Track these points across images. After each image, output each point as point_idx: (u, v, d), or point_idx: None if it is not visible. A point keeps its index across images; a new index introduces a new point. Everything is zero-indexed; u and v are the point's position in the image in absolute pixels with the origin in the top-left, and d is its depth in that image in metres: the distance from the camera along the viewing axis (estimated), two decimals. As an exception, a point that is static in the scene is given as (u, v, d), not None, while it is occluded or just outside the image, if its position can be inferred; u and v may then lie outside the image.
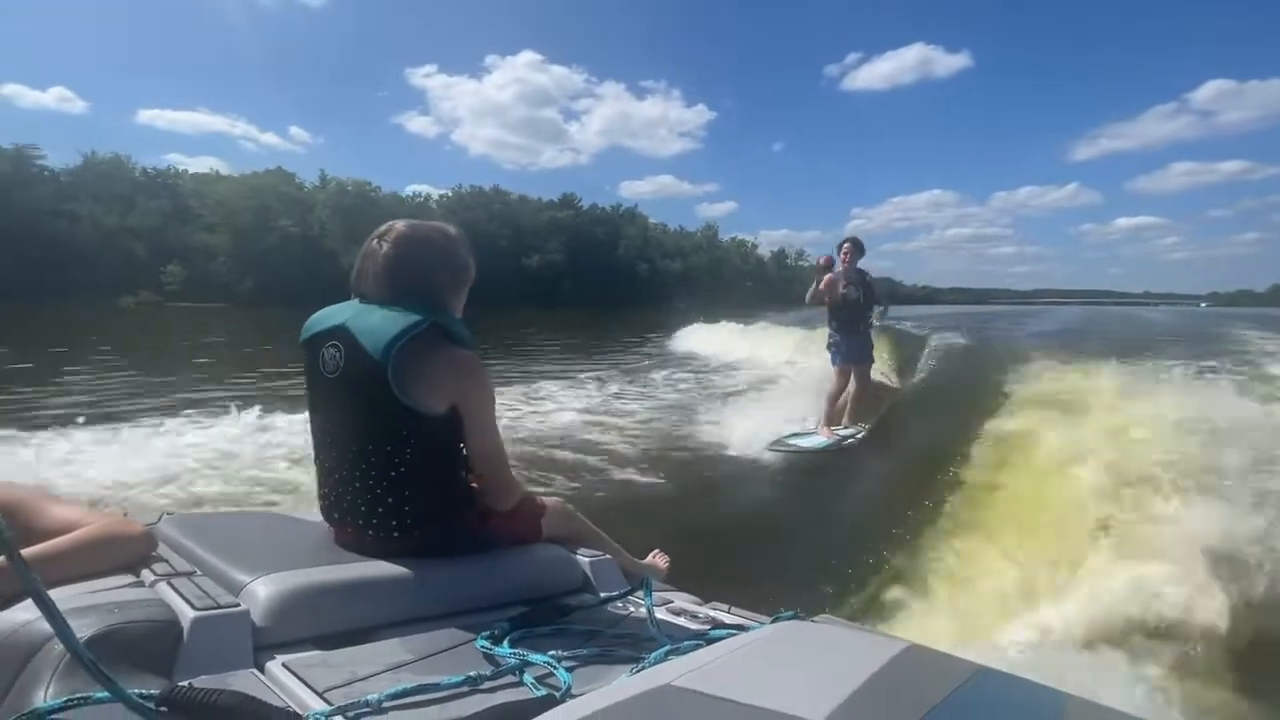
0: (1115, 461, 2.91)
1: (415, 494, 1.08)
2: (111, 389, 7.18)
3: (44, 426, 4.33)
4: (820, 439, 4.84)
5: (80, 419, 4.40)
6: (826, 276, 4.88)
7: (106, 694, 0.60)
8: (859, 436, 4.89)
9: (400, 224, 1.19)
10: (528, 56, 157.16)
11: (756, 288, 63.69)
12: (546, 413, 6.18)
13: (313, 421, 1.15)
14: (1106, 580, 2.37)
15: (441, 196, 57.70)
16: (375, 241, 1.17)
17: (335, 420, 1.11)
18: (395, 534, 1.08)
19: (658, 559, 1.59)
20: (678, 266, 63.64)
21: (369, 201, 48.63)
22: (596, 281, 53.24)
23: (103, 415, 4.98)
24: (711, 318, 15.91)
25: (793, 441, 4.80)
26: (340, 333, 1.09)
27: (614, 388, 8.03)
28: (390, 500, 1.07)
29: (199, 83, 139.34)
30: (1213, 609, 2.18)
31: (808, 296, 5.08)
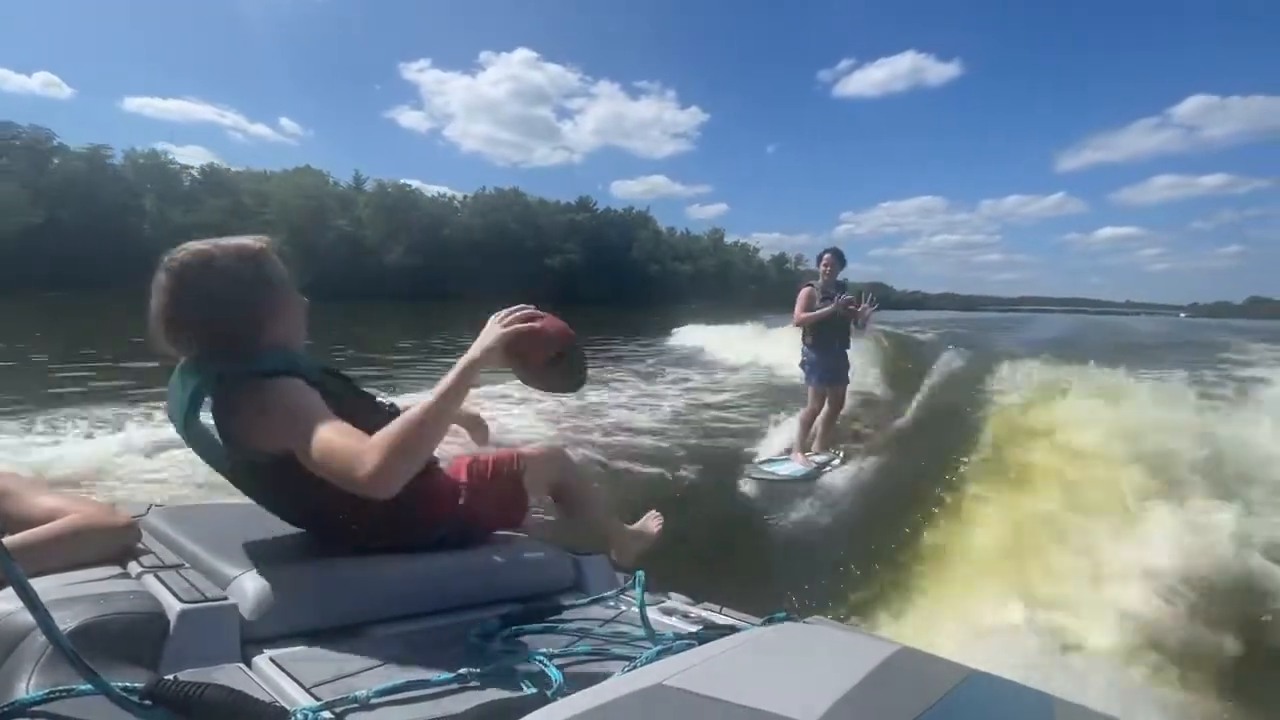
0: (1105, 468, 2.81)
1: (350, 513, 0.93)
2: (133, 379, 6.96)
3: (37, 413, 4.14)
4: (796, 466, 4.28)
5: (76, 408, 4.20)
6: (802, 292, 4.33)
7: (90, 686, 0.55)
8: (835, 464, 4.35)
9: (180, 253, 0.91)
10: (523, 54, 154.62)
11: (759, 290, 63.20)
12: (545, 408, 5.83)
13: None
14: (1096, 585, 2.28)
15: (465, 198, 57.03)
16: (159, 273, 0.90)
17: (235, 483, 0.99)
18: (378, 539, 0.99)
19: (651, 522, 1.42)
20: (687, 268, 63.39)
21: (409, 203, 48.95)
22: (611, 281, 53.18)
23: (113, 403, 4.74)
24: (724, 319, 15.41)
25: (768, 468, 4.28)
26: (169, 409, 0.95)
27: (614, 385, 7.62)
28: (332, 526, 0.96)
29: (188, 71, 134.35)
30: (1199, 614, 2.09)
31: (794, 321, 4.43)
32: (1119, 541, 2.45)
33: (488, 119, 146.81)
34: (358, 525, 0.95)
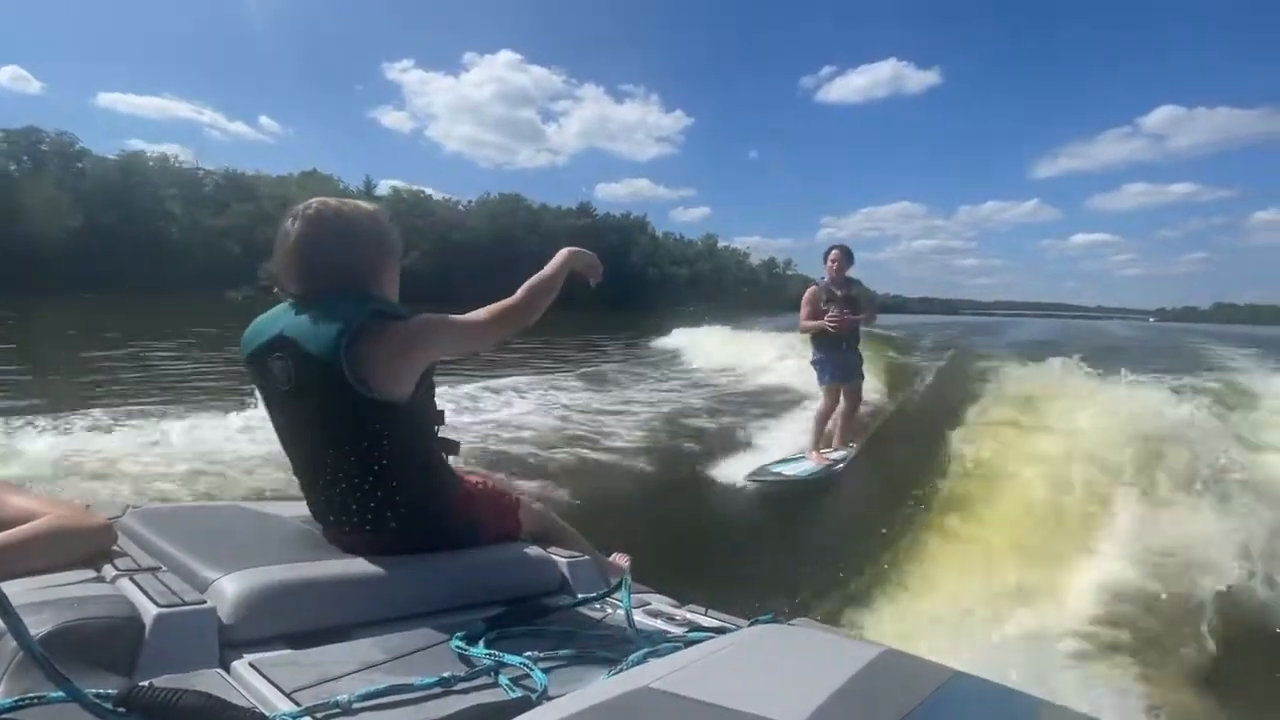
0: (1090, 470, 2.74)
1: (401, 483, 0.97)
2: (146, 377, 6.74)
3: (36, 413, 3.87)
4: (809, 464, 3.96)
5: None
6: (806, 294, 4.07)
7: (61, 694, 0.51)
8: (849, 459, 4.10)
9: (316, 202, 1.01)
10: (507, 56, 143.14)
11: (751, 293, 63.03)
12: (530, 410, 5.59)
13: (279, 434, 1.02)
14: (1080, 587, 2.21)
15: (470, 202, 56.37)
16: (290, 222, 0.98)
17: (304, 429, 0.98)
18: (391, 523, 0.96)
19: (619, 559, 1.42)
20: (684, 272, 63.20)
21: (425, 209, 48.73)
22: (612, 284, 52.81)
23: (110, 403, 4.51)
24: (719, 321, 14.96)
25: (777, 470, 3.93)
26: (282, 342, 0.94)
27: (601, 388, 7.32)
28: (379, 494, 0.96)
29: (164, 68, 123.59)
30: (1182, 614, 2.04)
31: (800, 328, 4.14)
32: (1106, 541, 2.39)
33: (471, 120, 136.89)
34: (399, 500, 0.96)
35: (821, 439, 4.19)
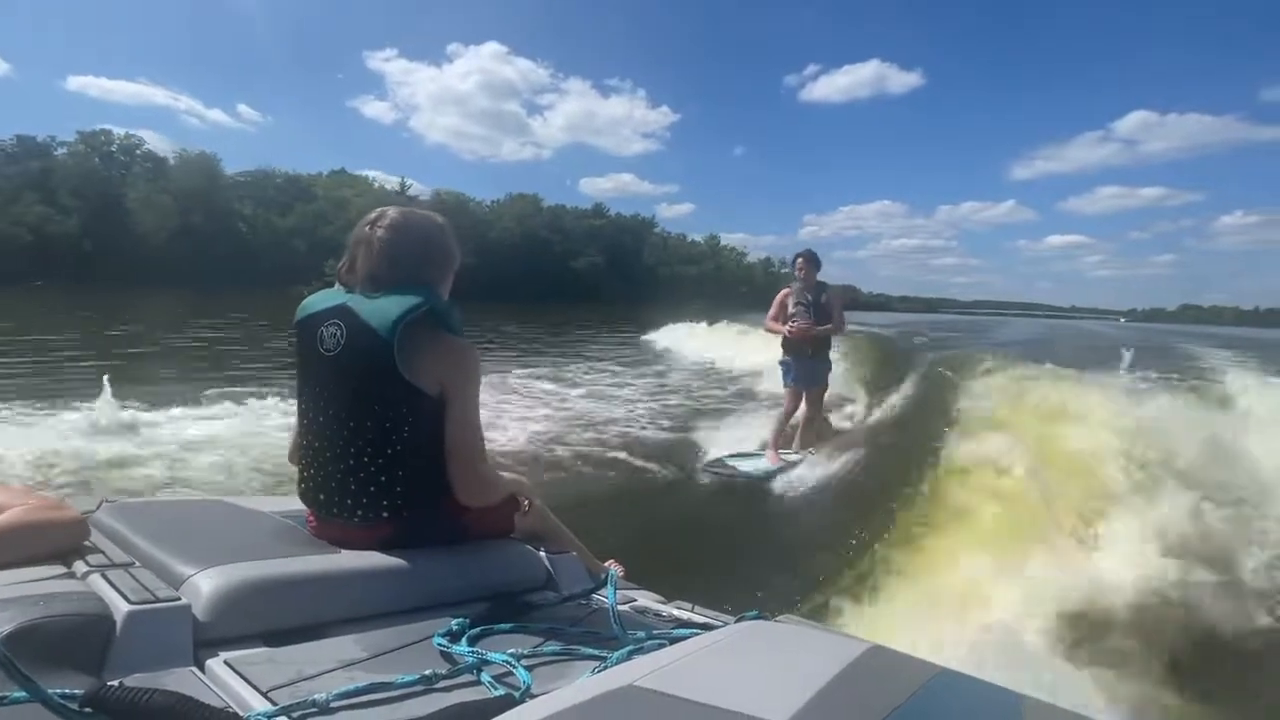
0: (1070, 467, 2.60)
1: (407, 474, 0.90)
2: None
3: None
4: (764, 463, 3.77)
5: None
6: (778, 296, 3.90)
7: (24, 694, 0.44)
8: (803, 463, 3.87)
9: (393, 211, 0.99)
10: (493, 47, 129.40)
11: (749, 291, 62.10)
12: (522, 408, 5.35)
13: (304, 400, 0.95)
14: (1064, 583, 2.09)
15: (494, 203, 55.28)
16: (368, 228, 0.97)
17: (332, 396, 0.92)
18: (384, 514, 0.89)
19: (613, 567, 1.34)
20: (693, 272, 62.53)
21: (464, 210, 48.83)
22: (628, 283, 52.67)
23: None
24: (720, 317, 14.11)
25: (732, 463, 3.74)
26: (341, 312, 0.91)
27: (593, 387, 7.04)
28: (383, 479, 0.88)
29: (139, 52, 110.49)
30: (1165, 610, 1.91)
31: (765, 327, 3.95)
32: (1095, 540, 2.26)
33: (455, 112, 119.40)
34: (400, 489, 0.90)
35: (782, 438, 4.01)
